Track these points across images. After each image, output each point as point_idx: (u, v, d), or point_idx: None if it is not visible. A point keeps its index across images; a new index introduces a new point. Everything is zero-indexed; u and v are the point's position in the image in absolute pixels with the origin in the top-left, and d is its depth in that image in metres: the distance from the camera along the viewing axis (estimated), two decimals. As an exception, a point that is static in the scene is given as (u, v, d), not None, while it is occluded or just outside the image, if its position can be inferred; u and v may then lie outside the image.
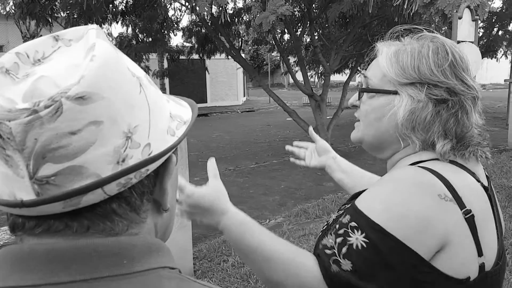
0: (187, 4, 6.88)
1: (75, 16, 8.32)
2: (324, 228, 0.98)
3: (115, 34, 11.98)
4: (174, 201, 0.60)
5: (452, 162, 0.87)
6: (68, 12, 8.43)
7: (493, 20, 12.73)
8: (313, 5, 9.76)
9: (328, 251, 0.81)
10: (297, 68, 12.34)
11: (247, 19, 10.84)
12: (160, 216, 0.57)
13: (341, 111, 10.64)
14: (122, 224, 0.50)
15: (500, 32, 13.67)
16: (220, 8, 6.83)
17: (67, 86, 0.44)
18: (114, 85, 0.47)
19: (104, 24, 9.95)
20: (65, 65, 0.47)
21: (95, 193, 0.46)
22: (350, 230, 0.80)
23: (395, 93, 0.90)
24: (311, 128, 1.43)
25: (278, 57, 32.98)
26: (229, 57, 10.32)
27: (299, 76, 10.38)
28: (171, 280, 0.50)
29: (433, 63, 0.88)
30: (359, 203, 0.84)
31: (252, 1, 6.93)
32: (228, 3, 6.69)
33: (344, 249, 0.79)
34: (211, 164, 1.03)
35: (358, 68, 12.14)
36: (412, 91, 0.88)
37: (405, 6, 6.21)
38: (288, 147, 1.41)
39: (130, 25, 10.90)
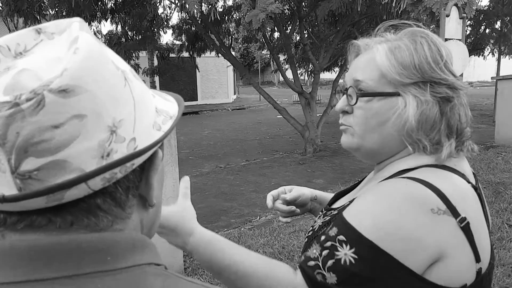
0: (176, 1, 6.87)
1: (63, 14, 8.25)
2: (309, 234, 0.96)
3: (104, 32, 11.92)
4: (160, 196, 0.59)
5: (442, 167, 0.84)
6: (56, 9, 8.37)
7: (480, 18, 12.89)
8: (303, 3, 9.79)
9: (311, 263, 0.79)
10: (287, 66, 12.38)
11: (237, 17, 10.84)
12: (146, 211, 0.56)
13: (330, 109, 10.68)
14: (107, 219, 0.49)
15: (487, 30, 13.83)
16: (210, 6, 6.83)
17: (50, 78, 0.43)
18: (98, 78, 0.46)
19: (93, 22, 9.89)
20: (47, 58, 0.46)
21: (79, 188, 0.45)
22: (338, 244, 0.77)
23: (397, 94, 0.85)
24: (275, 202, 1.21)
25: (268, 55, 33.01)
26: (219, 55, 10.32)
27: (289, 74, 10.42)
28: (156, 277, 0.49)
29: (431, 59, 0.84)
30: (348, 215, 0.80)
31: (242, -1, 6.93)
32: (218, 0, 6.69)
33: (330, 262, 0.77)
34: (184, 183, 0.98)
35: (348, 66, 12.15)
36: (416, 91, 0.84)
37: (394, 4, 6.28)
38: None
39: (119, 23, 10.84)
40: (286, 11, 10.05)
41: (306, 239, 0.96)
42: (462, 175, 0.84)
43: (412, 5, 5.99)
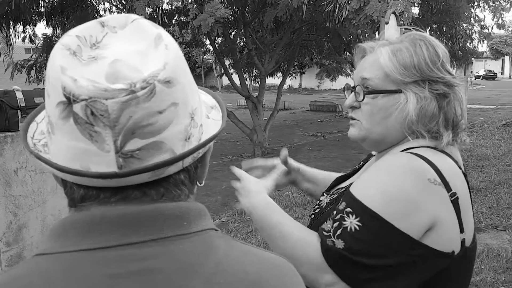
0: (120, 6, 6.75)
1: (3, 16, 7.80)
2: (316, 211, 1.07)
3: (39, 34, 11.39)
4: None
5: (440, 150, 0.94)
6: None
7: (410, 25, 13.65)
8: (246, 9, 9.94)
9: (325, 233, 0.89)
10: (232, 71, 12.48)
11: (182, 21, 10.78)
12: (194, 189, 0.62)
13: (276, 113, 10.92)
14: (186, 192, 0.57)
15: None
16: (157, 9, 6.77)
17: (155, 70, 0.49)
18: (185, 71, 0.53)
19: (28, 25, 9.44)
20: (131, 51, 0.51)
21: (176, 165, 0.52)
22: (345, 215, 0.87)
23: (399, 91, 0.95)
24: (284, 151, 1.31)
25: (211, 60, 32.95)
26: (164, 59, 10.15)
27: (235, 79, 10.51)
28: (220, 239, 0.56)
29: (429, 60, 0.94)
30: (354, 190, 0.91)
31: (189, 3, 6.94)
32: (163, 2, 6.65)
33: (338, 231, 0.87)
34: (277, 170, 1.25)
35: (290, 72, 12.50)
36: (416, 89, 0.94)
37: (336, 12, 6.57)
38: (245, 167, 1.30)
39: (57, 26, 10.41)
40: (230, 16, 10.17)
41: (313, 215, 1.07)
42: (456, 162, 0.96)
43: (354, 13, 6.31)
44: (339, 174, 1.32)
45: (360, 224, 0.85)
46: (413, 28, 1.04)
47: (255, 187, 1.09)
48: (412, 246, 0.86)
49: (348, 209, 0.88)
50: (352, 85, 1.05)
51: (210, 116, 0.63)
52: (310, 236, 0.93)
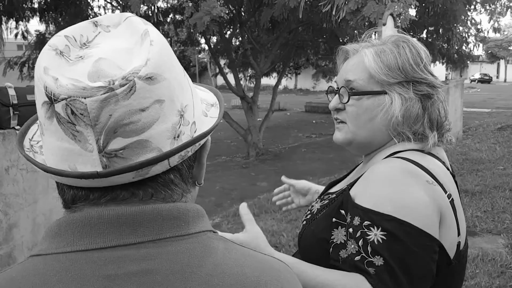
0: (114, 2, 6.69)
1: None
2: (308, 217, 1.02)
3: (32, 31, 11.29)
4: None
5: (426, 152, 0.95)
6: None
7: (408, 27, 13.70)
8: (242, 8, 9.91)
9: (357, 258, 0.83)
10: (227, 71, 12.45)
11: (176, 19, 10.73)
12: (194, 189, 0.61)
13: (271, 113, 10.89)
14: (178, 192, 0.55)
15: (414, 39, 14.70)
16: (152, 6, 6.72)
17: (136, 67, 0.47)
18: (171, 67, 0.51)
19: (21, 21, 9.35)
20: (117, 49, 0.51)
21: (162, 164, 0.51)
22: (366, 230, 0.83)
23: (384, 93, 0.95)
24: (284, 177, 1.36)
25: (205, 59, 32.89)
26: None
27: (230, 79, 10.48)
28: (218, 241, 0.56)
29: (413, 61, 0.94)
30: (362, 202, 0.87)
31: (185, 1, 6.90)
32: (158, 0, 6.60)
33: (369, 248, 0.82)
34: (243, 209, 1.00)
35: (285, 72, 12.49)
36: (400, 90, 0.94)
37: (334, 13, 6.55)
38: (276, 200, 1.38)
39: (50, 22, 10.32)
40: (226, 15, 10.14)
41: (304, 221, 1.03)
42: (443, 163, 0.97)
43: (351, 14, 6.30)
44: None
45: (384, 233, 0.82)
46: (397, 31, 1.06)
47: (263, 243, 0.95)
48: (435, 247, 0.84)
49: (366, 223, 0.84)
50: (335, 87, 1.03)
51: (209, 114, 0.61)
52: (354, 275, 0.84)
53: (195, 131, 0.55)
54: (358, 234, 0.85)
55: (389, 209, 0.83)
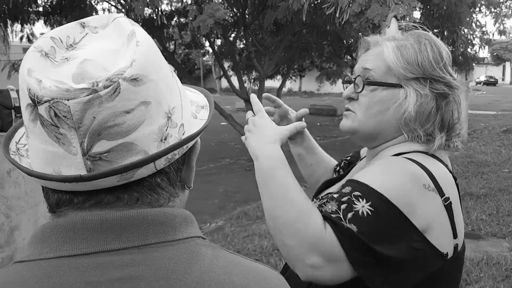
0: (119, 5, 6.72)
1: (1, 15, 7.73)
2: None
3: (37, 34, 11.35)
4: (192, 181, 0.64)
5: (431, 155, 0.94)
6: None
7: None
8: (246, 11, 9.92)
9: (333, 215, 0.83)
10: (231, 73, 12.46)
11: (180, 22, 10.77)
12: (183, 193, 0.60)
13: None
14: (165, 196, 0.54)
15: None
16: (156, 10, 6.74)
17: (121, 68, 0.46)
18: (158, 69, 0.50)
19: (26, 24, 9.41)
20: (103, 50, 0.50)
21: (147, 167, 0.50)
22: (354, 199, 0.83)
23: (400, 86, 0.94)
24: (304, 110, 1.26)
25: (210, 62, 32.96)
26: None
27: (234, 81, 10.49)
28: (207, 248, 0.54)
29: (432, 59, 0.94)
30: (360, 177, 0.88)
31: (189, 4, 6.92)
32: (162, 3, 6.62)
33: (349, 215, 0.82)
34: (254, 99, 1.03)
35: (289, 75, 12.48)
36: (416, 86, 0.93)
37: (337, 15, 6.54)
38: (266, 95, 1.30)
39: (55, 26, 10.39)
40: (230, 18, 10.17)
41: None
42: (446, 166, 0.96)
43: (355, 16, 6.28)
44: (335, 163, 1.31)
45: (372, 209, 0.82)
46: (420, 27, 1.01)
47: (270, 131, 0.97)
48: (415, 237, 0.84)
49: (356, 193, 0.84)
50: (353, 77, 1.02)
51: (198, 116, 0.60)
52: (314, 211, 0.86)
53: (183, 134, 0.54)
54: (344, 199, 0.84)
55: (384, 189, 0.83)
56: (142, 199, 0.52)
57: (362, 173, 0.91)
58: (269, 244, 4.23)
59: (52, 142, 0.47)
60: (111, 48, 0.50)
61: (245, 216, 5.55)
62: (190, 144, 0.55)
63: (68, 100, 0.45)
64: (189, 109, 0.58)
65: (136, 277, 0.48)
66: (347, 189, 0.86)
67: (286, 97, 32.38)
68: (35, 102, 0.46)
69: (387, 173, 0.88)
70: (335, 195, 0.87)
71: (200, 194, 7.01)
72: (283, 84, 11.62)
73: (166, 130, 0.51)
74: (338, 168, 1.28)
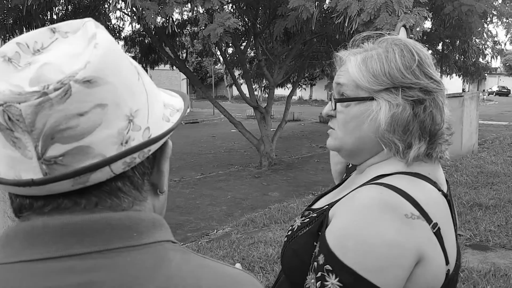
0: (132, 14, 6.81)
1: (10, 22, 7.87)
2: (288, 233, 0.99)
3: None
4: (167, 185, 0.62)
5: (415, 174, 0.89)
6: (4, 17, 8.00)
7: (424, 39, 13.63)
8: (257, 20, 9.99)
9: None
10: (241, 81, 12.52)
11: (192, 31, 10.87)
12: (157, 198, 0.59)
13: (284, 123, 10.90)
14: (128, 200, 0.53)
15: (430, 51, 14.61)
16: (168, 18, 6.82)
17: (74, 70, 0.46)
18: (117, 71, 0.49)
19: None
20: (65, 54, 0.49)
21: (103, 171, 0.48)
22: (326, 274, 0.81)
23: (372, 99, 0.90)
24: None
25: (222, 70, 33.12)
26: (174, 67, 10.27)
27: (244, 89, 10.54)
28: (175, 252, 0.53)
29: (402, 65, 0.88)
30: (331, 240, 0.83)
31: (200, 13, 6.98)
32: (174, 11, 6.69)
33: None
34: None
35: (299, 83, 12.48)
36: (388, 96, 0.89)
37: (346, 24, 6.56)
38: None
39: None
40: (241, 27, 10.25)
41: (286, 238, 1.00)
42: (434, 183, 0.90)
43: (364, 25, 6.29)
44: None
45: (341, 285, 0.79)
46: (388, 33, 0.97)
47: None
48: None
49: (328, 266, 0.81)
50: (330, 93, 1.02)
51: (172, 119, 0.59)
52: None
53: (149, 137, 0.53)
54: (319, 275, 0.82)
55: (352, 259, 0.79)
56: (101, 204, 0.51)
57: (336, 228, 0.86)
58: (274, 252, 4.23)
59: (10, 146, 0.47)
60: (75, 52, 0.49)
61: (252, 223, 5.56)
62: (153, 148, 0.53)
63: (19, 103, 0.45)
64: (160, 112, 0.56)
65: (96, 282, 0.47)
66: (321, 260, 0.83)
67: (296, 105, 32.29)
68: None
69: (357, 224, 0.82)
70: (315, 265, 0.84)
71: (208, 200, 7.04)
72: (292, 92, 11.62)
73: (127, 133, 0.50)
74: (350, 165, 1.25)
